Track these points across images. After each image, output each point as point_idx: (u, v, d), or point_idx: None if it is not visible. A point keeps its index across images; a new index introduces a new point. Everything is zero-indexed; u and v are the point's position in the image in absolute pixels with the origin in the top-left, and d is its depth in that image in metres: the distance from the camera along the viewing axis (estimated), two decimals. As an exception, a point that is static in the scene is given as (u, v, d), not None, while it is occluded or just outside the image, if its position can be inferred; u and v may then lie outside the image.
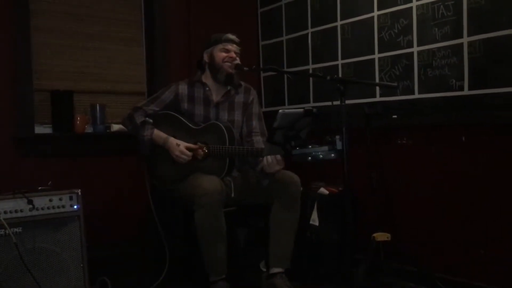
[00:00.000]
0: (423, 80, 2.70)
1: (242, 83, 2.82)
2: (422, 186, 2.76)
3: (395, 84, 2.77)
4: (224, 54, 2.66)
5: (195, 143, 2.59)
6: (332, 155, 2.00)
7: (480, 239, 2.50)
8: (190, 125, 2.66)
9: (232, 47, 2.68)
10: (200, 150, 2.56)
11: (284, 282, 2.46)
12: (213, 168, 2.53)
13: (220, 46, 2.67)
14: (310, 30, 3.39)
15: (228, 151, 2.49)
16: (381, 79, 2.92)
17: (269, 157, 2.38)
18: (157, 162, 2.70)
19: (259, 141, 2.71)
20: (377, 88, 2.95)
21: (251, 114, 2.79)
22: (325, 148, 2.01)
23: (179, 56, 3.50)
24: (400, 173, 2.86)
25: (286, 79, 3.60)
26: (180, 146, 2.56)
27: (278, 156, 2.38)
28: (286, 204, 2.52)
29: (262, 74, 3.81)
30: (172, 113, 2.71)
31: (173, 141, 2.59)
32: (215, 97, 2.74)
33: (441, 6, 2.59)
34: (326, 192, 2.95)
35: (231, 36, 2.70)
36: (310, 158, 2.05)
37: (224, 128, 2.56)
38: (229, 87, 2.75)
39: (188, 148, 2.57)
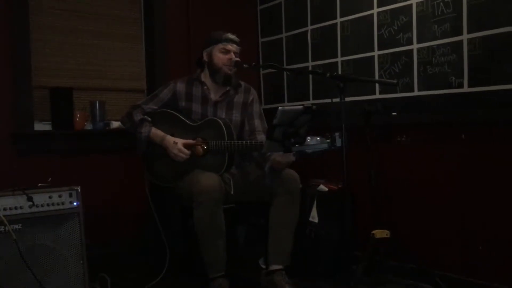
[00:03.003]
0: (422, 77, 2.70)
1: (242, 83, 2.80)
2: (422, 183, 2.76)
3: (395, 81, 2.77)
4: (223, 56, 2.64)
5: (193, 140, 2.59)
6: (333, 147, 2.00)
7: (479, 236, 2.51)
8: (188, 122, 2.66)
9: (232, 47, 2.65)
10: (199, 147, 2.56)
11: (284, 279, 2.47)
12: (212, 165, 2.53)
13: (220, 46, 2.65)
14: (309, 27, 3.38)
15: (227, 146, 2.49)
16: (380, 76, 2.92)
17: (277, 156, 2.35)
18: (156, 160, 2.69)
19: (263, 139, 2.69)
20: (377, 85, 2.95)
21: (252, 114, 2.78)
22: (325, 144, 2.01)
23: (179, 52, 3.50)
24: (399, 170, 2.86)
25: (285, 76, 3.60)
26: (177, 144, 2.55)
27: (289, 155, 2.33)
28: (286, 201, 2.52)
29: (262, 71, 3.80)
30: (170, 111, 2.70)
31: (170, 139, 2.58)
32: (214, 96, 2.73)
33: (441, 3, 2.58)
34: (326, 189, 2.95)
35: (231, 36, 2.66)
36: (310, 150, 2.04)
37: (222, 124, 2.55)
38: (228, 87, 2.74)
39: (186, 144, 2.56)
